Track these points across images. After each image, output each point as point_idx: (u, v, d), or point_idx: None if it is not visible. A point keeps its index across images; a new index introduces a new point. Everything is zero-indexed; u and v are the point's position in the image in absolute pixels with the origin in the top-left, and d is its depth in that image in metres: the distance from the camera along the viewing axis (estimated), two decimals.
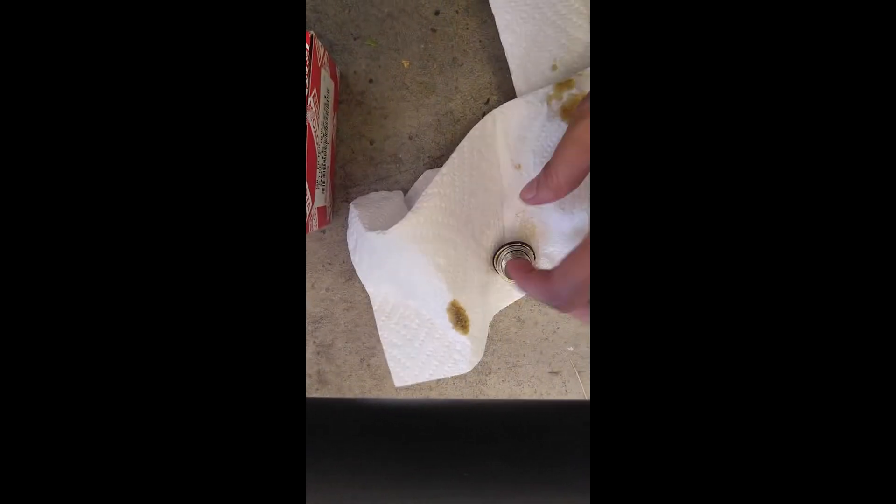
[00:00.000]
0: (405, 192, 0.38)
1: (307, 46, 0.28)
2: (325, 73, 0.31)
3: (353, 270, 0.38)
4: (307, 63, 0.28)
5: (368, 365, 0.39)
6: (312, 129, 0.29)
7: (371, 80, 0.37)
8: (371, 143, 0.38)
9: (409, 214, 0.32)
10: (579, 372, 0.40)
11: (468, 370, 0.38)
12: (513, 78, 0.36)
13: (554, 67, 0.35)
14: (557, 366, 0.40)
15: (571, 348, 0.39)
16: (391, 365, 0.38)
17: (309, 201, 0.29)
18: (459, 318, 0.35)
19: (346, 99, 0.37)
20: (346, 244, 0.38)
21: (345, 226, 0.38)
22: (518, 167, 0.36)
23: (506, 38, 0.35)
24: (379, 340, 0.39)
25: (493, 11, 0.35)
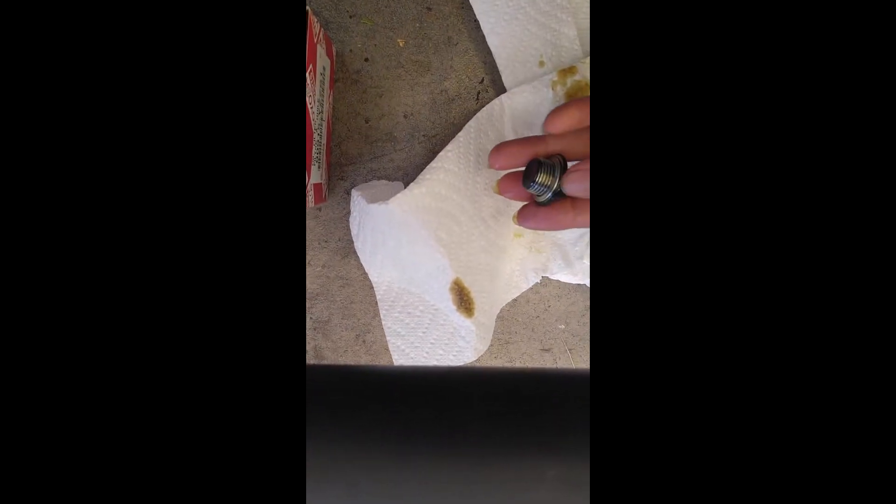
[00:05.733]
0: (402, 172, 0.38)
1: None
2: (321, 51, 0.32)
3: (349, 248, 0.39)
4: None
5: (364, 341, 0.40)
6: (309, 107, 0.29)
7: (367, 59, 0.37)
8: (366, 122, 0.38)
9: (412, 185, 0.32)
10: (570, 349, 0.41)
11: (474, 358, 0.37)
12: (503, 77, 0.36)
13: (541, 63, 0.36)
14: (549, 343, 0.40)
15: (563, 326, 0.40)
16: (395, 356, 0.38)
17: (307, 175, 0.30)
18: (463, 300, 0.35)
19: (341, 77, 0.37)
20: (343, 222, 0.38)
21: (340, 203, 0.39)
22: None
23: (492, 41, 0.36)
24: (374, 317, 0.40)
25: (477, 16, 0.35)
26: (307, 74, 0.29)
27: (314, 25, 0.29)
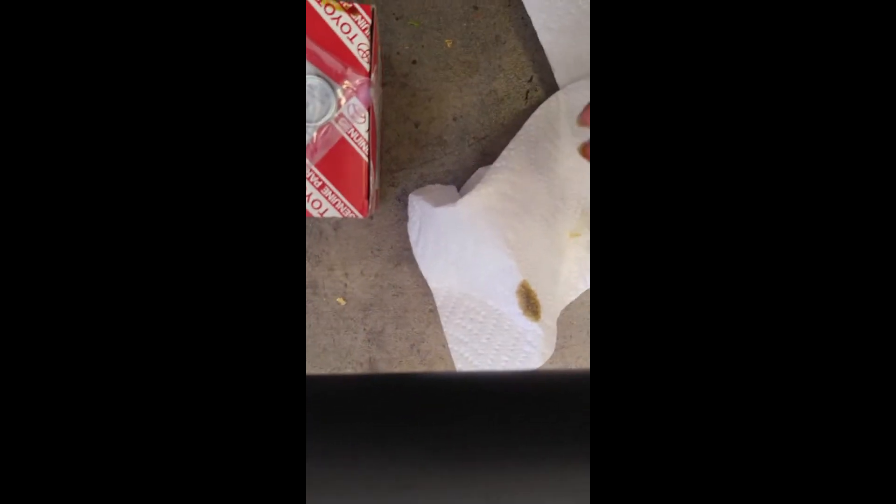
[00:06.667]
0: (453, 176, 0.37)
1: (370, 21, 0.27)
2: (379, 53, 0.31)
3: (402, 256, 0.38)
4: (369, 38, 0.27)
5: (419, 350, 0.39)
6: (375, 109, 0.29)
7: (414, 62, 0.37)
8: (416, 126, 0.37)
9: (479, 185, 0.31)
10: None
11: (541, 363, 0.36)
12: (555, 75, 0.36)
13: None
14: None
15: None
16: (458, 365, 0.37)
17: (373, 179, 0.29)
18: (530, 303, 0.34)
19: (390, 81, 0.37)
20: (395, 229, 0.37)
21: (391, 210, 0.38)
22: None
23: (544, 37, 0.35)
24: (429, 325, 0.38)
25: (529, 12, 0.35)
26: (372, 74, 0.28)
27: (377, 25, 0.29)
